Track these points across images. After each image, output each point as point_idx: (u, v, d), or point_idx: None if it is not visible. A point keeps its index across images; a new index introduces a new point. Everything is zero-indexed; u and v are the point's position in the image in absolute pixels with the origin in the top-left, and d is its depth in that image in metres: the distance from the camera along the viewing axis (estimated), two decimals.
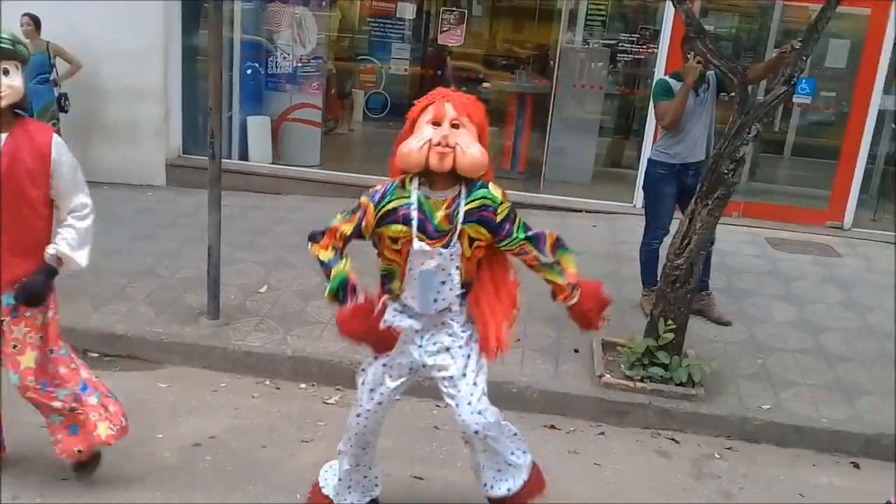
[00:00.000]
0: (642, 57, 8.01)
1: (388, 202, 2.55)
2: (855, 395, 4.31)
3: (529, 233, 2.65)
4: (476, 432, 2.71)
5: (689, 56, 4.74)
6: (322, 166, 8.05)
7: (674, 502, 3.47)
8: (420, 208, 2.53)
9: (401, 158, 2.51)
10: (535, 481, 2.96)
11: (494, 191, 2.59)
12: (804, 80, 7.05)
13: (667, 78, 5.08)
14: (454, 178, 2.52)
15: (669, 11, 6.85)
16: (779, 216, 7.26)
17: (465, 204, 2.54)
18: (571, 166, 8.07)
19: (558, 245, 2.70)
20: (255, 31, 8.25)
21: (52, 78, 7.00)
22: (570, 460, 3.73)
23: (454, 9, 8.53)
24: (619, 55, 8.07)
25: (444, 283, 2.61)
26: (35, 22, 6.88)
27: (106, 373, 4.19)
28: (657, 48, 7.38)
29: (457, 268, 2.60)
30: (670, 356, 4.17)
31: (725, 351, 4.67)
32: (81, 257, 2.87)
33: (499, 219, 2.58)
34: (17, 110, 2.77)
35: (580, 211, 7.30)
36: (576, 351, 4.56)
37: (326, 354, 4.37)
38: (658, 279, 4.51)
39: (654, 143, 5.47)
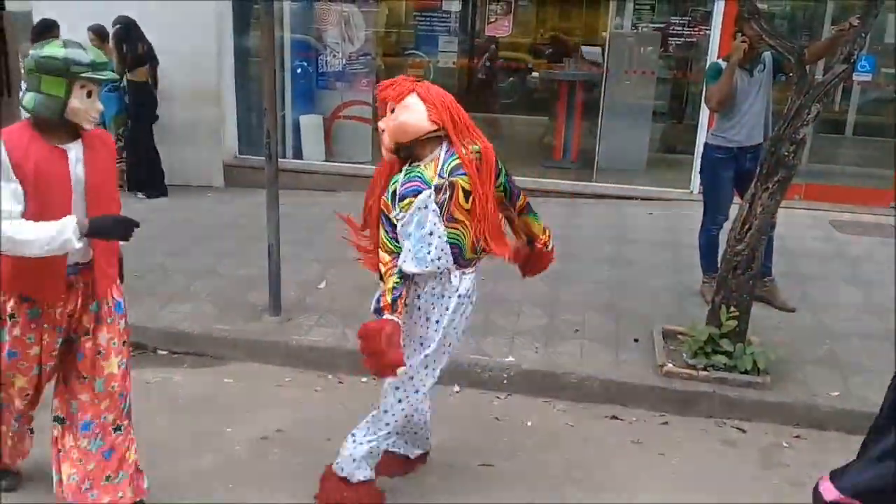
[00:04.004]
0: (694, 40, 7.87)
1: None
2: None
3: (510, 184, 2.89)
4: None
5: (736, 35, 4.67)
6: (374, 162, 8.11)
7: (742, 492, 3.43)
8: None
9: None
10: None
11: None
12: (864, 58, 6.84)
13: (719, 61, 4.99)
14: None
15: None
16: (841, 198, 7.06)
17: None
18: (625, 154, 7.90)
19: (528, 209, 2.99)
20: (304, 31, 8.34)
21: (121, 86, 7.19)
22: (634, 451, 3.71)
23: None
24: (670, 39, 7.94)
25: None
26: (100, 35, 7.08)
27: (174, 369, 4.34)
28: (709, 30, 7.23)
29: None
30: (734, 344, 4.10)
31: (791, 337, 4.57)
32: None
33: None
34: None
35: (635, 199, 7.21)
36: (635, 340, 4.52)
37: None
38: (718, 266, 4.45)
39: (710, 128, 5.38)
